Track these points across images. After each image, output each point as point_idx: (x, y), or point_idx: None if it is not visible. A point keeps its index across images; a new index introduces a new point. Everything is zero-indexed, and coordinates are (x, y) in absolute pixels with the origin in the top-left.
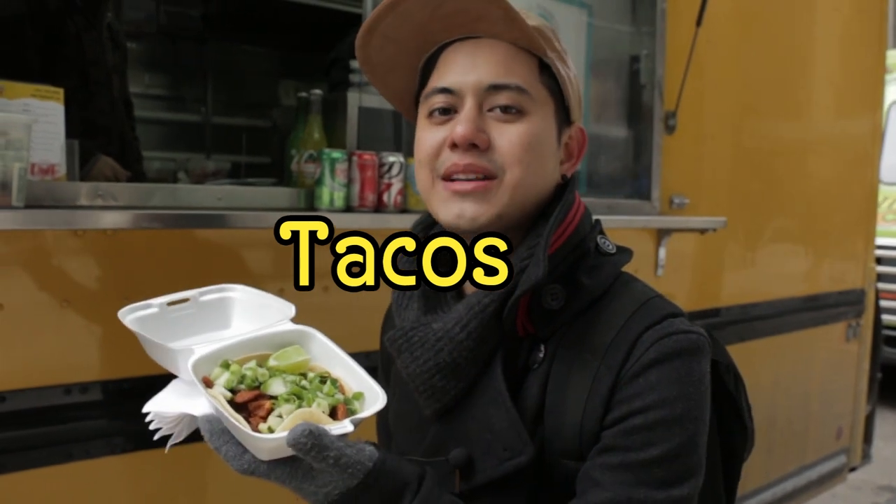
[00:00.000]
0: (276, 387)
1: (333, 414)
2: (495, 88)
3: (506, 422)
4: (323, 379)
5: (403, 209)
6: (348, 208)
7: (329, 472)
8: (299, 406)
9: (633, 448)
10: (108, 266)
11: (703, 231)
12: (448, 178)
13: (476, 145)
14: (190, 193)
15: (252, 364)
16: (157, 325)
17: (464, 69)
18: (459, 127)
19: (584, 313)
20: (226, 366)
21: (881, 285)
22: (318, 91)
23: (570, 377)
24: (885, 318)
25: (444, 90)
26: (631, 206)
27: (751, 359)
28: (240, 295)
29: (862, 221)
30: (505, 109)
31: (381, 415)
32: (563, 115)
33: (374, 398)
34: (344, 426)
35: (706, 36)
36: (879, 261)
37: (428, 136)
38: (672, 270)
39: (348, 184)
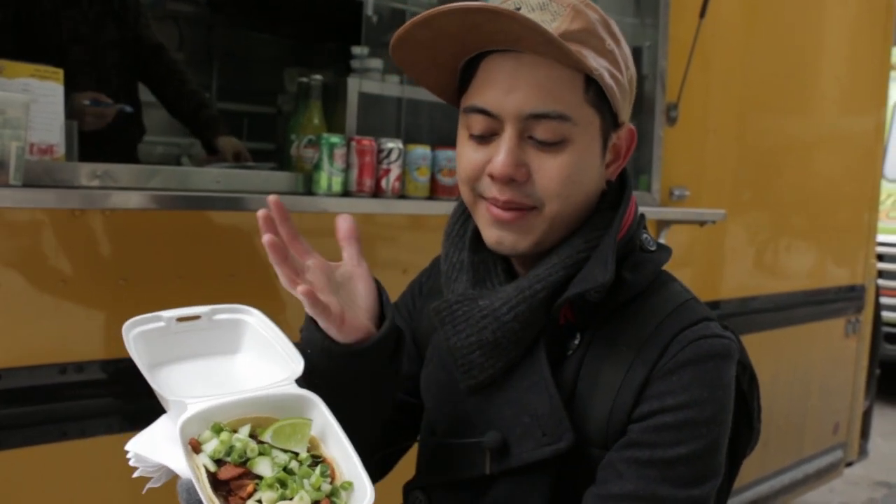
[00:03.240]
0: (263, 467)
1: None
2: (535, 117)
3: (548, 407)
4: (314, 461)
5: (401, 195)
6: (346, 193)
7: None
8: (282, 496)
9: (660, 445)
10: (105, 246)
11: (702, 223)
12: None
13: (515, 179)
14: (189, 176)
15: (244, 434)
16: (163, 340)
17: (504, 89)
18: (498, 160)
19: (622, 307)
20: (217, 430)
21: (882, 282)
22: (318, 76)
23: (603, 367)
24: (885, 314)
25: (484, 112)
26: None
27: (749, 352)
28: (254, 321)
29: (864, 217)
30: (545, 142)
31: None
32: (611, 122)
33: (362, 494)
34: None
35: (710, 28)
36: (881, 257)
37: (468, 155)
38: (671, 262)
39: (346, 169)
